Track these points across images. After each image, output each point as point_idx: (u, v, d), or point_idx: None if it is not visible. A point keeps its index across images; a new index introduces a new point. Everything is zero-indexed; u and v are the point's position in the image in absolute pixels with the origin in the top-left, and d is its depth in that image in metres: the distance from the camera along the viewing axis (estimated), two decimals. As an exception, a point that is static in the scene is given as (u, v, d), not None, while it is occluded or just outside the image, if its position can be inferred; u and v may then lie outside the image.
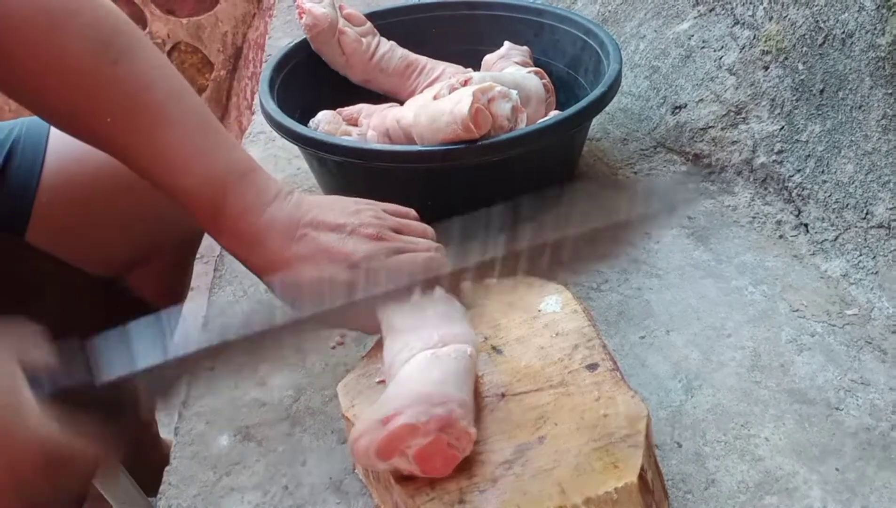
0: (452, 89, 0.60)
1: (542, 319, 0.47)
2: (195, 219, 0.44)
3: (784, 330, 0.54)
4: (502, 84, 0.59)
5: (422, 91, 0.74)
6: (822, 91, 0.60)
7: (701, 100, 0.71)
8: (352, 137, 0.66)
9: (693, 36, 0.74)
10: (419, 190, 0.61)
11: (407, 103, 0.62)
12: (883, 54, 0.54)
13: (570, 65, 0.75)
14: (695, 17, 0.75)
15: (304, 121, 0.69)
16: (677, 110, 0.73)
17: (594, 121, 0.70)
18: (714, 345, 0.53)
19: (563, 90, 0.74)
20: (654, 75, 0.77)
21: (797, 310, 0.55)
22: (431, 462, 0.36)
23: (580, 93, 0.72)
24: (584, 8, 0.93)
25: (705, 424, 0.47)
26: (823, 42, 0.59)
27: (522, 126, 0.59)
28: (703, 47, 0.72)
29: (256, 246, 0.44)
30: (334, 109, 0.72)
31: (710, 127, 0.70)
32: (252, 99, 1.49)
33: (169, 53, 1.62)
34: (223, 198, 0.43)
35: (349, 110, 0.68)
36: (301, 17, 0.70)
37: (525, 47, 0.77)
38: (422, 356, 0.40)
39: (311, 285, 0.43)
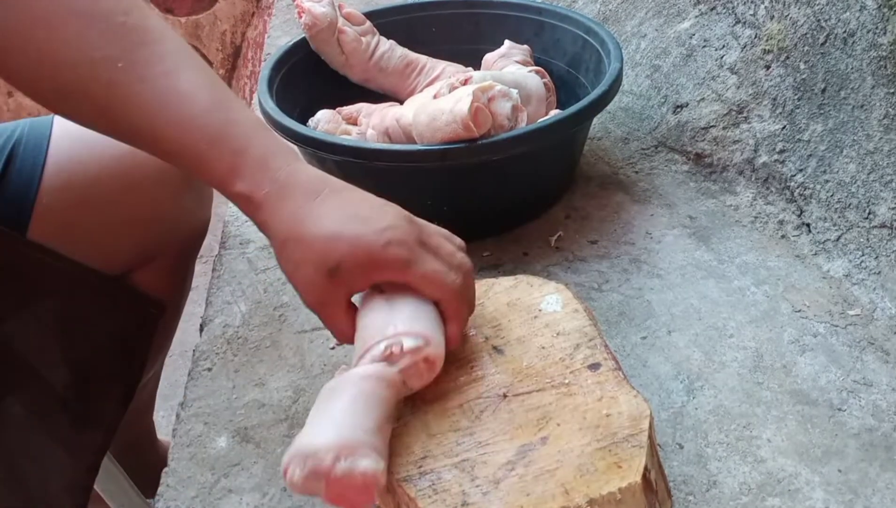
0: (452, 88, 0.60)
1: (543, 318, 0.47)
2: (208, 175, 0.40)
3: (786, 331, 0.54)
4: (503, 83, 0.59)
5: (422, 90, 0.74)
6: (823, 90, 0.60)
7: (702, 99, 0.71)
8: (351, 137, 0.65)
9: (694, 35, 0.74)
10: (419, 189, 0.61)
11: (407, 102, 0.61)
12: (884, 53, 0.54)
13: (571, 64, 0.74)
14: (696, 16, 0.75)
15: (304, 120, 0.68)
16: (679, 109, 0.73)
17: (595, 120, 0.70)
18: (716, 346, 0.52)
19: (563, 89, 0.74)
20: (655, 74, 0.76)
21: (799, 310, 0.55)
22: (344, 500, 0.35)
23: (581, 92, 0.71)
24: (584, 7, 0.93)
25: (707, 425, 0.47)
26: (825, 41, 0.59)
27: (523, 125, 0.58)
28: (704, 46, 0.72)
29: (283, 199, 0.40)
30: (334, 108, 0.72)
31: (711, 126, 0.70)
32: (251, 98, 1.49)
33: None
34: (246, 143, 0.40)
35: (349, 109, 0.68)
36: (300, 17, 0.70)
37: (525, 46, 0.76)
38: (332, 382, 0.39)
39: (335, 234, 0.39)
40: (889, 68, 0.53)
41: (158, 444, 0.85)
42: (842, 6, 0.57)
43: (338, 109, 0.69)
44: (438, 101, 0.56)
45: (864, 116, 0.56)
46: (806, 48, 0.61)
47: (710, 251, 0.62)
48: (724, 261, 0.61)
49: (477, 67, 0.77)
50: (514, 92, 0.58)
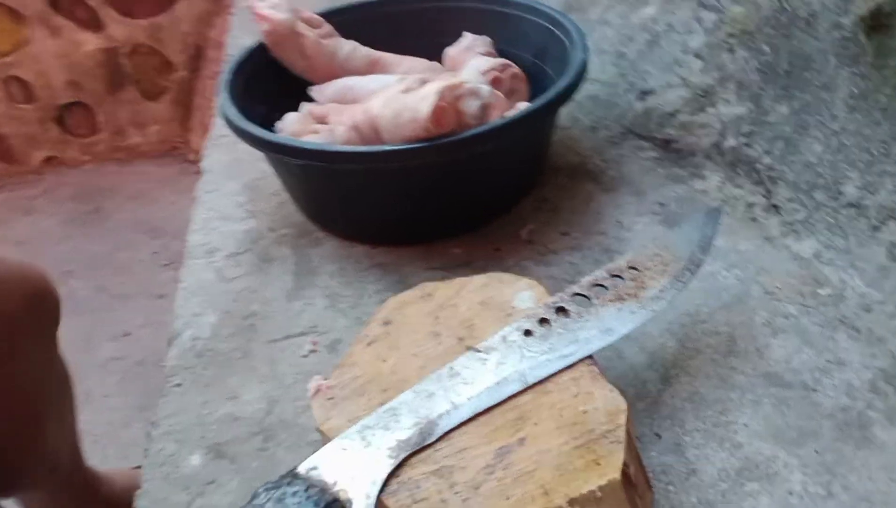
0: (423, 82, 0.59)
1: (517, 316, 0.46)
2: None
3: (758, 314, 0.54)
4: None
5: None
6: (788, 72, 0.60)
7: (668, 85, 0.70)
8: (316, 138, 0.64)
9: (658, 20, 0.74)
10: (382, 189, 0.60)
11: (377, 94, 0.60)
12: (847, 34, 0.54)
13: (537, 55, 0.74)
14: (660, 2, 0.74)
15: (271, 123, 0.67)
16: (645, 96, 0.73)
17: (563, 110, 0.70)
18: (689, 332, 0.52)
19: (531, 81, 0.73)
20: (620, 61, 0.76)
21: (771, 293, 0.55)
22: None
23: (548, 83, 0.71)
24: (547, -5, 0.92)
25: (683, 413, 0.47)
26: (788, 23, 0.59)
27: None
28: (668, 32, 0.72)
29: None
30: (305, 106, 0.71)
31: (678, 112, 0.69)
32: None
33: (128, 57, 1.58)
34: None
35: (319, 110, 0.66)
36: (258, 24, 0.68)
37: (485, 37, 0.75)
38: None
39: None
40: (852, 48, 0.54)
41: (103, 483, 0.82)
42: (801, -14, 0.57)
43: (309, 108, 0.68)
44: (405, 96, 0.55)
45: (829, 97, 0.56)
46: (769, 30, 0.61)
47: (681, 237, 0.62)
48: (696, 246, 0.61)
49: (440, 61, 0.76)
50: (485, 89, 0.57)
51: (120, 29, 1.54)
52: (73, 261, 1.55)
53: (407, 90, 0.57)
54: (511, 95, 0.69)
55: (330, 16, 0.76)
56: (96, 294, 1.42)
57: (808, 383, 0.48)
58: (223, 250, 0.64)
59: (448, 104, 0.54)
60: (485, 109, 0.57)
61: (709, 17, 0.68)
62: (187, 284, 0.61)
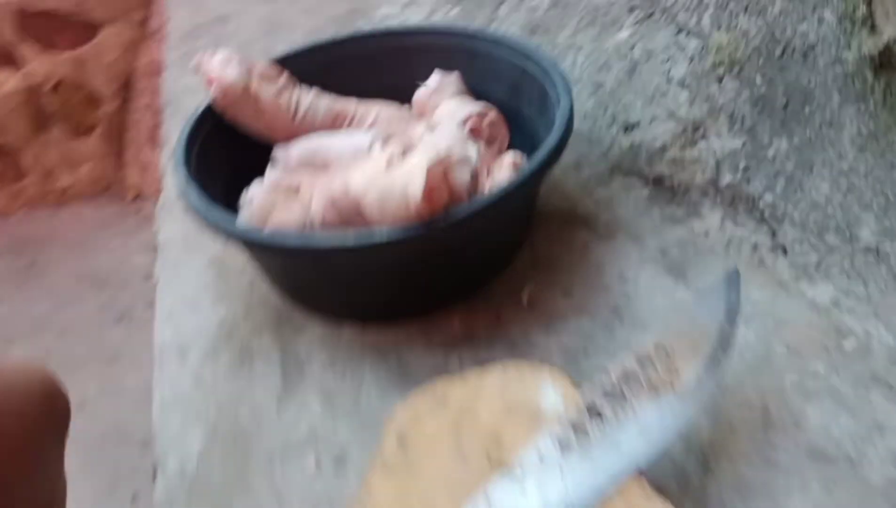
0: (405, 149, 0.53)
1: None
2: None
3: (787, 376, 0.51)
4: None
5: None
6: (785, 106, 0.57)
7: (654, 117, 0.67)
8: (289, 215, 0.58)
9: (635, 46, 0.70)
10: (375, 270, 0.55)
11: (356, 166, 0.55)
12: (850, 70, 0.51)
13: (511, 93, 0.69)
14: (633, 25, 0.71)
15: (231, 195, 0.61)
16: (630, 129, 0.69)
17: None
18: (721, 406, 0.49)
19: (507, 121, 0.68)
20: (598, 91, 0.72)
21: (794, 349, 0.53)
22: None
23: (524, 123, 0.66)
24: (508, 16, 0.87)
25: (732, 504, 0.44)
26: (782, 54, 0.56)
27: (484, 190, 0.53)
28: (648, 59, 0.68)
29: None
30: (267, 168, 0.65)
31: (667, 147, 0.66)
32: (153, 132, 1.37)
33: (51, 93, 1.46)
34: None
35: (289, 179, 0.60)
36: (209, 88, 0.61)
37: (454, 74, 0.71)
38: None
39: None
40: (857, 86, 0.51)
41: None
42: (797, 17, 0.54)
43: (277, 179, 0.62)
44: (390, 174, 0.50)
45: (835, 135, 0.53)
46: (761, 61, 0.58)
47: (689, 289, 0.59)
48: (706, 297, 0.58)
49: (408, 102, 0.71)
50: (473, 153, 0.52)
51: (40, 64, 1.42)
52: (12, 325, 1.42)
53: (389, 164, 0.52)
54: (491, 143, 0.65)
55: (289, 61, 0.70)
56: (42, 362, 1.31)
57: (852, 455, 0.46)
58: (196, 349, 0.58)
59: (438, 181, 0.49)
60: (475, 176, 0.53)
61: (691, 43, 0.65)
62: (163, 395, 0.54)
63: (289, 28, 1.08)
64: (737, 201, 0.62)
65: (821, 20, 0.51)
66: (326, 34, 0.75)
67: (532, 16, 0.84)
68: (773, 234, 0.59)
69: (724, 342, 0.45)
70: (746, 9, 0.57)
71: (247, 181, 0.64)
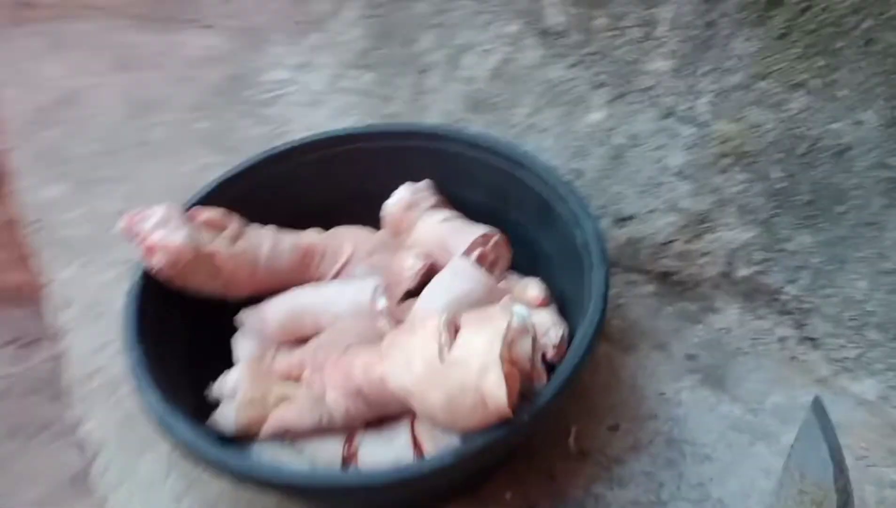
0: (449, 322, 0.43)
1: None
2: None
3: (865, 488, 0.49)
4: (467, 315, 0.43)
5: (335, 274, 0.55)
6: (809, 202, 0.54)
7: (652, 210, 0.62)
8: (297, 412, 0.46)
9: (613, 131, 0.64)
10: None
11: (387, 342, 0.44)
12: None
13: (491, 195, 0.61)
14: (604, 105, 0.65)
15: (198, 380, 0.47)
16: (624, 222, 0.64)
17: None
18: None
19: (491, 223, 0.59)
20: (579, 181, 0.66)
21: (863, 457, 0.51)
22: None
23: (513, 229, 0.58)
24: (440, 88, 0.78)
25: None
26: (807, 152, 0.53)
27: (549, 353, 0.45)
28: (633, 146, 0.63)
29: None
30: (223, 344, 0.51)
31: (672, 240, 0.62)
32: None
33: None
34: None
35: (286, 364, 0.48)
36: (149, 258, 0.47)
37: (425, 183, 0.61)
38: None
39: None
40: (903, 190, 0.49)
41: None
42: (825, 117, 0.51)
43: (256, 356, 0.49)
44: (452, 369, 0.40)
45: (875, 235, 0.51)
46: (779, 155, 0.55)
47: (734, 402, 0.55)
48: (756, 410, 0.54)
49: (375, 215, 0.60)
50: (527, 316, 0.43)
51: None
52: None
53: (440, 348, 0.41)
54: (494, 265, 0.57)
55: (229, 186, 0.57)
56: None
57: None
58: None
59: (509, 368, 0.40)
60: (534, 343, 0.44)
61: (684, 130, 0.60)
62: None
63: (160, 105, 0.90)
64: (755, 294, 0.59)
65: (858, 123, 0.49)
66: (212, 109, 0.62)
67: (469, 88, 0.76)
68: (799, 326, 0.57)
69: (845, 496, 0.41)
70: (757, 102, 0.54)
71: (210, 350, 0.51)
